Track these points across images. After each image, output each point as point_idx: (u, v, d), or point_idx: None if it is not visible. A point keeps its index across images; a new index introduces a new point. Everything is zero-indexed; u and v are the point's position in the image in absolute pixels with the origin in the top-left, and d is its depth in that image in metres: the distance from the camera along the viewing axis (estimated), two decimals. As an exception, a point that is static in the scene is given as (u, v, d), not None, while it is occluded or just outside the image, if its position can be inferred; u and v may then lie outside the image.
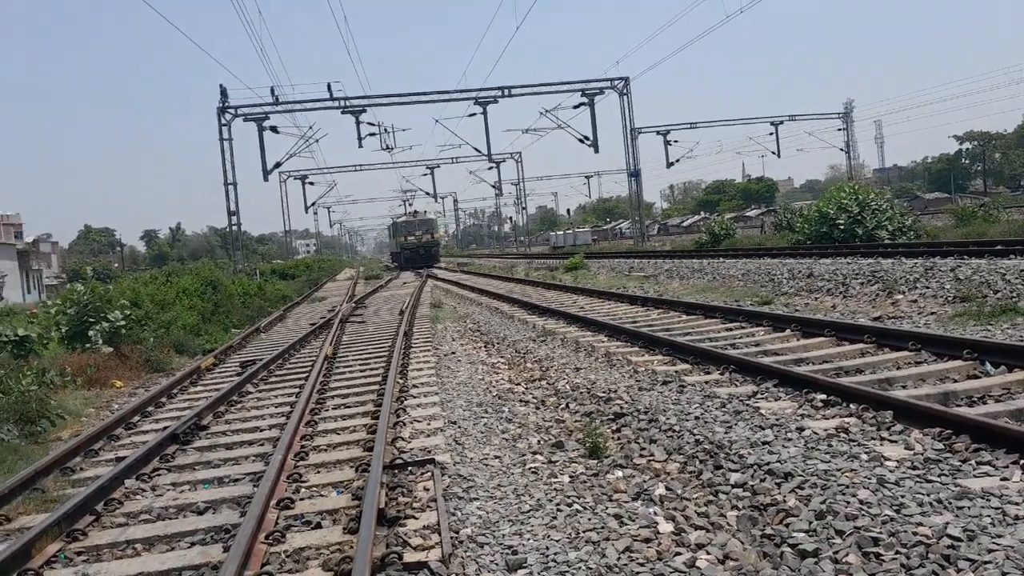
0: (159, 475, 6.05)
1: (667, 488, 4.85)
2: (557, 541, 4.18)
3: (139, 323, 14.89)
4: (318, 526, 4.65)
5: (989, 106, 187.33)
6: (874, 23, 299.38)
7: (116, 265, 73.60)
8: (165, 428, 7.22)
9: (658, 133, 51.01)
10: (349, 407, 7.98)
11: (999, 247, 15.52)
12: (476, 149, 45.01)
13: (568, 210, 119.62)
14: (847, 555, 3.50)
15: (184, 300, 18.83)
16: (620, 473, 5.28)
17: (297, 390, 8.93)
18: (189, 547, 4.53)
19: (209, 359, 12.22)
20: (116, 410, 9.20)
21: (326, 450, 6.38)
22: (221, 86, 35.94)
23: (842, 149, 58.74)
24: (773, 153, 55.50)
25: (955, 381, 6.69)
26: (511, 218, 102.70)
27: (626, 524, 4.33)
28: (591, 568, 3.80)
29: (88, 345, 13.42)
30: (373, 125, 39.74)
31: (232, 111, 36.52)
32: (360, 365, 10.64)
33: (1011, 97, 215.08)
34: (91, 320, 13.86)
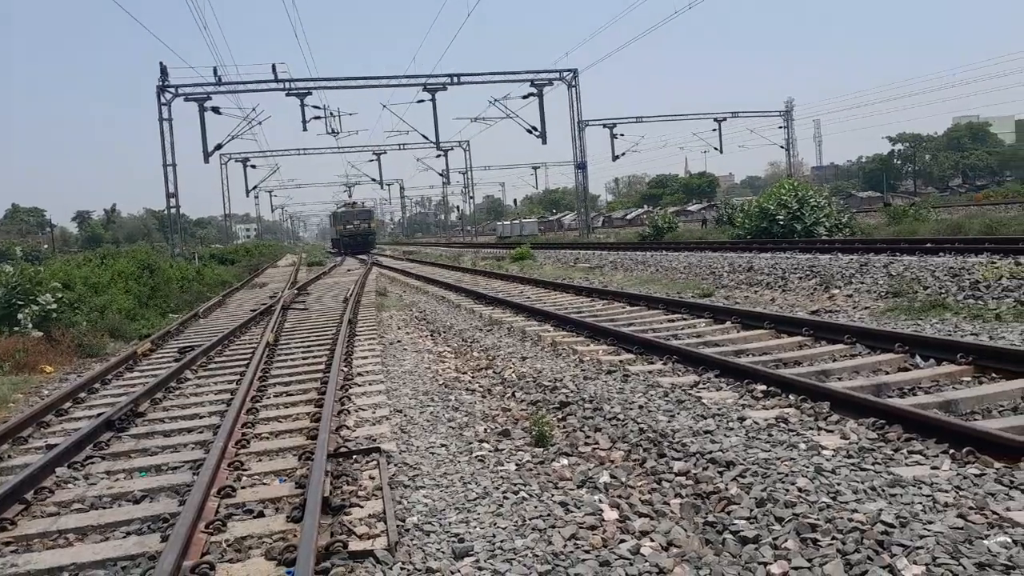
0: (93, 463, 5.86)
1: (612, 476, 4.91)
2: (504, 529, 4.19)
3: (71, 306, 14.37)
4: (260, 515, 4.57)
5: (922, 109, 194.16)
6: (815, 24, 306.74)
7: (46, 247, 70.86)
8: (99, 415, 6.99)
9: (605, 126, 51.42)
10: (292, 395, 7.85)
11: (928, 245, 16.13)
12: (424, 136, 44.72)
13: (515, 200, 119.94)
14: (786, 541, 3.60)
15: (120, 283, 18.23)
16: (566, 461, 5.32)
17: (238, 377, 8.75)
18: (125, 537, 4.40)
19: (146, 344, 11.88)
20: (46, 396, 8.87)
21: (268, 438, 6.27)
22: (161, 64, 34.99)
23: (782, 147, 60.20)
24: (716, 149, 56.57)
25: (887, 373, 6.93)
26: (458, 207, 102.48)
27: (572, 511, 4.37)
28: (537, 555, 3.82)
29: (16, 328, 12.91)
30: (319, 108, 39.21)
31: (172, 90, 35.48)
32: (303, 353, 10.48)
33: (941, 101, 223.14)
34: (19, 303, 13.34)
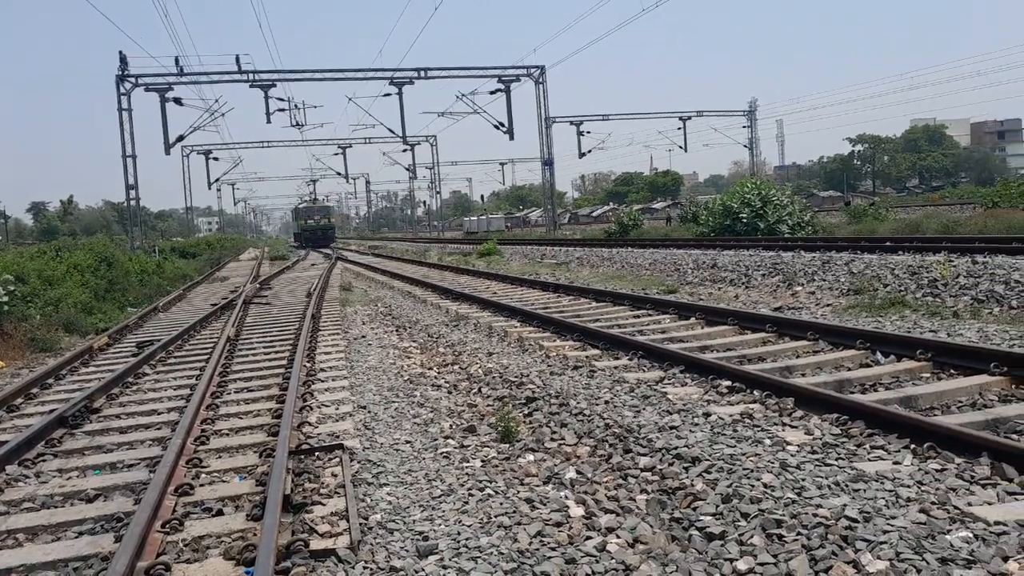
0: (44, 460, 5.67)
1: (578, 472, 4.88)
2: (469, 526, 4.14)
3: (24, 299, 13.97)
4: (219, 513, 4.45)
5: (881, 111, 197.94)
6: (779, 26, 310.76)
7: (0, 238, 68.99)
8: (52, 411, 6.78)
9: (572, 123, 51.54)
10: (253, 391, 7.70)
11: (888, 243, 16.40)
12: (390, 130, 44.49)
13: (482, 196, 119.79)
14: (752, 537, 3.60)
15: (75, 276, 17.77)
16: (532, 457, 5.28)
17: (198, 372, 8.57)
18: (77, 537, 4.26)
19: (102, 339, 11.58)
20: (-3, 392, 8.60)
21: (228, 435, 6.13)
22: (121, 52, 34.18)
23: (746, 146, 60.90)
24: (680, 147, 57.02)
25: (849, 369, 7.00)
26: (425, 202, 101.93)
27: (537, 508, 4.33)
28: (503, 553, 3.77)
29: (-34, 322, 12.50)
30: (283, 101, 38.74)
31: (132, 80, 34.77)
32: (264, 348, 10.31)
33: (900, 103, 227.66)
34: (-31, 296, 12.91)
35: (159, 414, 6.97)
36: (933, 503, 3.69)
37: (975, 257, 12.35)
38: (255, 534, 4.01)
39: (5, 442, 5.83)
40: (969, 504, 3.67)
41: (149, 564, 3.67)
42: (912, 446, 4.53)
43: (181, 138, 38.71)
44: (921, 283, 11.13)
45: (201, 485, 4.92)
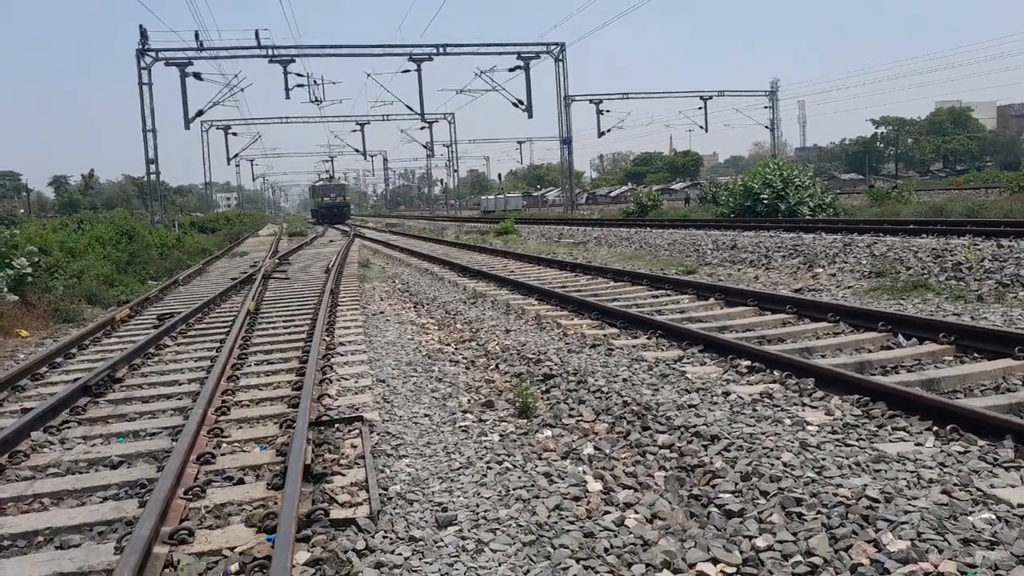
0: (69, 428, 5.76)
1: (596, 448, 4.89)
2: (487, 499, 4.16)
3: (48, 271, 14.12)
4: (240, 482, 4.50)
5: (905, 92, 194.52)
6: (804, 6, 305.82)
7: (22, 211, 69.64)
8: (76, 379, 6.87)
9: (591, 102, 50.99)
10: (273, 363, 7.76)
11: (912, 226, 16.20)
12: (409, 107, 44.10)
13: (499, 175, 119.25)
14: (771, 515, 3.59)
15: (97, 249, 17.94)
16: (549, 432, 5.30)
17: (218, 344, 8.64)
18: (102, 502, 4.33)
19: (124, 310, 11.70)
20: (22, 360, 8.72)
21: (249, 406, 6.19)
22: (141, 27, 34.08)
23: (767, 127, 60.03)
24: (701, 127, 56.34)
25: (870, 351, 6.95)
26: (442, 180, 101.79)
27: (556, 483, 4.35)
28: (521, 525, 3.79)
29: (-9, 292, 12.67)
30: (302, 76, 38.42)
31: (153, 54, 34.71)
32: (284, 322, 10.37)
33: (925, 85, 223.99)
34: (-6, 266, 13.07)
35: (180, 384, 7.05)
36: (955, 485, 3.66)
37: (1000, 241, 12.18)
38: (276, 503, 4.05)
39: (31, 409, 5.92)
40: (992, 486, 3.64)
41: (173, 529, 3.73)
42: (934, 428, 4.49)
43: (201, 113, 38.69)
44: (945, 266, 11.00)
45: (222, 454, 4.97)
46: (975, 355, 6.41)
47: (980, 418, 4.43)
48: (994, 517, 3.32)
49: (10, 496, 4.42)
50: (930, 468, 3.88)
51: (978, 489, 3.61)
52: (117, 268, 17.42)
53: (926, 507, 3.42)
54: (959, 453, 4.10)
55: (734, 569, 3.28)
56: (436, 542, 3.66)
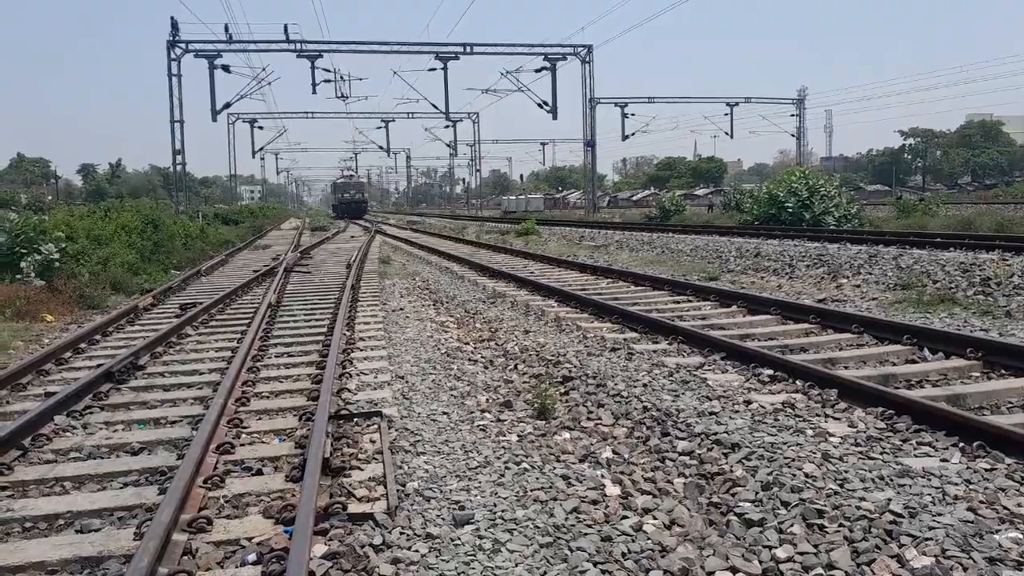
0: (91, 413, 5.81)
1: (614, 452, 4.86)
2: (505, 499, 4.15)
3: (74, 257, 14.30)
4: (259, 472, 4.52)
5: (935, 104, 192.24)
6: (833, 14, 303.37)
7: (50, 198, 70.50)
8: (99, 365, 6.94)
9: (616, 105, 50.88)
10: (293, 356, 7.80)
11: (939, 239, 15.98)
12: (434, 105, 44.10)
13: (521, 176, 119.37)
14: (792, 526, 3.55)
15: (123, 237, 18.14)
16: (568, 435, 5.27)
17: (239, 335, 8.70)
18: (122, 487, 4.36)
19: (147, 299, 11.81)
20: (47, 344, 8.82)
21: (269, 397, 6.22)
22: (172, 18, 34.52)
23: (793, 135, 59.56)
24: (726, 133, 56.02)
25: (895, 364, 6.86)
26: (464, 179, 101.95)
27: (574, 485, 4.32)
28: (539, 527, 3.77)
29: (19, 276, 12.84)
30: (328, 72, 38.66)
31: (183, 46, 35.08)
32: (305, 315, 10.42)
33: (956, 97, 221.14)
34: (23, 251, 13.25)
35: (201, 374, 7.09)
36: (982, 502, 3.60)
37: (1030, 257, 11.97)
38: (294, 495, 4.06)
39: (54, 393, 5.98)
40: (1019, 505, 3.57)
41: (192, 517, 3.75)
42: (960, 444, 4.42)
43: (228, 105, 39.00)
44: (973, 281, 10.84)
45: (242, 445, 5.00)
46: (1003, 371, 6.31)
47: (1008, 435, 4.35)
48: (1021, 536, 3.26)
49: (32, 479, 4.46)
50: (956, 484, 3.82)
51: (1005, 507, 3.54)
52: (141, 257, 17.59)
53: (951, 524, 3.36)
54: (985, 470, 4.02)
55: (753, 579, 3.24)
56: (453, 540, 3.65)
